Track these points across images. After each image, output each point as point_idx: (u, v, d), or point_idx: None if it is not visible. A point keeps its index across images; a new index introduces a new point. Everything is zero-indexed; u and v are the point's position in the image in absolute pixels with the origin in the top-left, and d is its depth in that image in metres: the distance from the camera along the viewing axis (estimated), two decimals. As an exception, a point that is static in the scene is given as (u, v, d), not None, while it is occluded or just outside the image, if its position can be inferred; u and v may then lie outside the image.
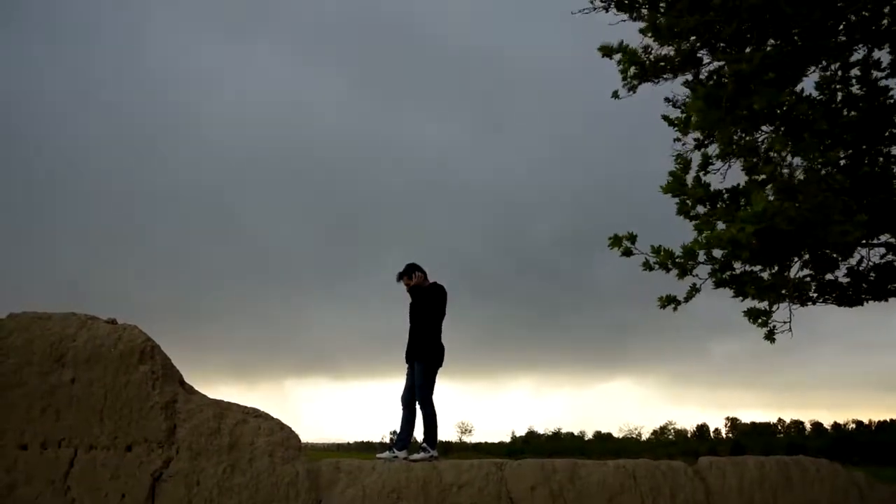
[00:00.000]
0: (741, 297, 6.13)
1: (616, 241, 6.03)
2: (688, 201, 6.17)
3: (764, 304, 5.94)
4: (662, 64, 6.21)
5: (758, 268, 6.21)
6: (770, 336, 5.88)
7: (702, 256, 5.89)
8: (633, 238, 6.02)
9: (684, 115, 6.15)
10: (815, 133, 5.41)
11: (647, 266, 6.00)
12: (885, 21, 5.64)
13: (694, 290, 6.17)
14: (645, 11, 6.17)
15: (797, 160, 5.33)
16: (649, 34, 6.12)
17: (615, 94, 6.49)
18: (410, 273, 6.56)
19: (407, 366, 6.44)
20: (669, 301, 6.26)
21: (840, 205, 5.10)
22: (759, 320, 5.85)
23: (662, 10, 6.03)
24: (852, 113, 5.77)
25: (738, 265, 6.14)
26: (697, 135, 6.25)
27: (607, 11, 6.42)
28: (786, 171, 5.31)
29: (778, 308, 5.89)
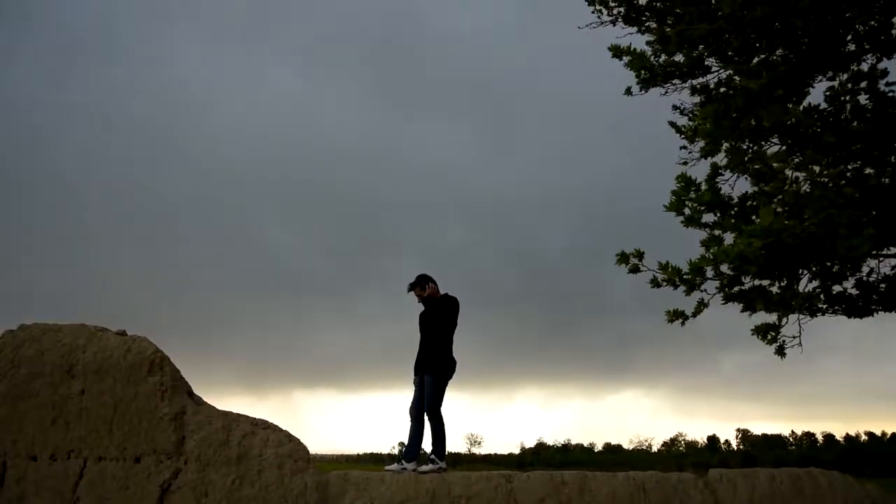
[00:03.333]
0: (750, 312, 6.10)
1: (623, 257, 6.03)
2: (694, 215, 6.16)
3: (773, 318, 5.91)
4: (671, 69, 6.23)
5: (766, 282, 6.18)
6: (780, 351, 5.84)
7: (710, 272, 5.87)
8: (640, 255, 6.01)
9: (692, 124, 6.16)
10: (821, 146, 5.40)
11: (655, 283, 5.99)
12: (894, 31, 5.63)
13: (702, 305, 6.15)
14: (653, 24, 6.19)
15: (802, 174, 5.32)
16: (657, 45, 6.14)
17: (628, 91, 6.52)
18: (423, 284, 6.54)
19: (415, 377, 6.42)
20: (677, 316, 6.24)
21: (846, 219, 5.08)
22: (769, 336, 5.82)
23: (670, 23, 6.05)
24: (861, 124, 5.74)
25: (746, 280, 6.11)
26: (704, 142, 6.25)
27: (614, 25, 6.44)
28: (792, 186, 5.29)
29: (787, 322, 5.86)
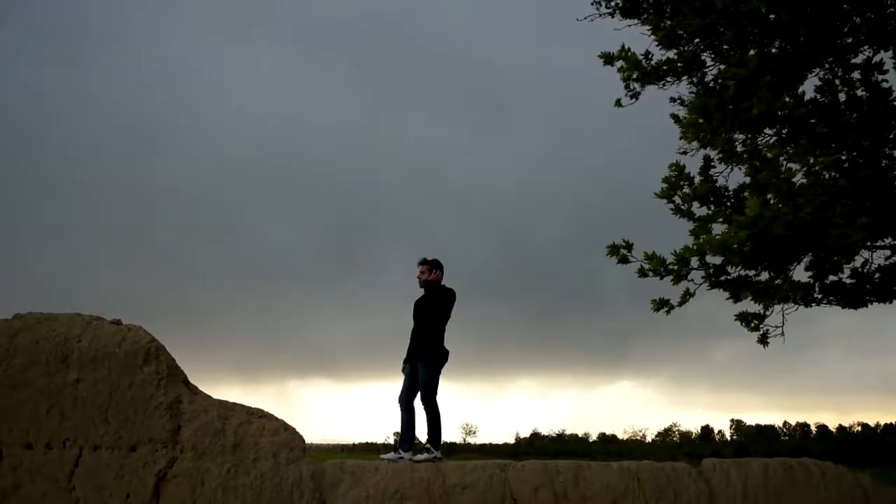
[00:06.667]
0: (735, 301, 6.14)
1: (613, 249, 6.06)
2: (682, 206, 6.17)
3: (758, 308, 5.94)
4: (665, 68, 6.21)
5: (752, 272, 6.21)
6: (763, 340, 5.88)
7: (694, 262, 5.90)
8: (629, 246, 6.04)
9: (687, 117, 6.15)
10: (813, 137, 5.41)
11: (642, 273, 6.02)
12: (890, 24, 5.62)
13: (687, 295, 6.18)
14: (650, 17, 6.16)
15: (796, 164, 5.33)
16: (654, 39, 6.12)
17: (618, 103, 6.48)
18: (432, 268, 6.51)
19: (405, 365, 6.41)
20: (662, 304, 6.27)
21: (840, 207, 5.10)
22: (752, 324, 5.85)
23: (667, 14, 6.03)
24: (854, 115, 5.75)
25: (732, 269, 6.15)
26: (690, 132, 6.25)
27: (613, 17, 6.42)
28: (784, 175, 5.30)
29: (772, 312, 5.89)
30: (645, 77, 6.30)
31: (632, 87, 6.34)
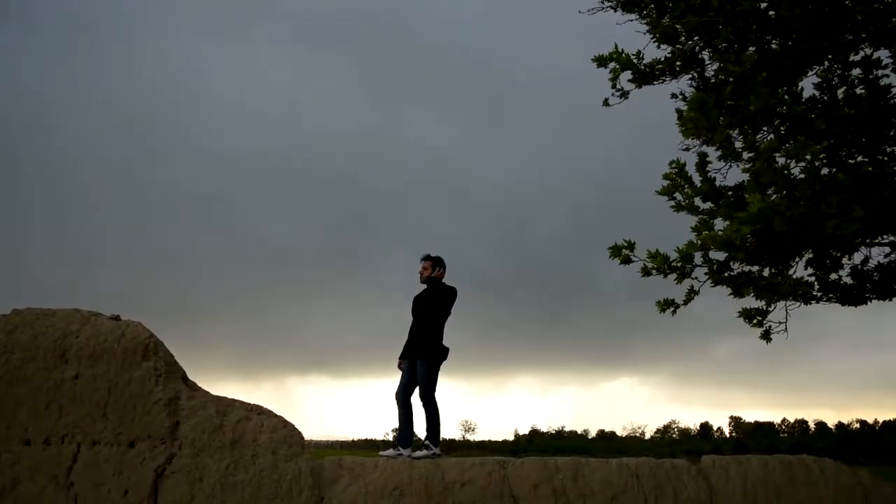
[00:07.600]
0: (738, 297, 6.13)
1: (615, 250, 6.04)
2: (684, 203, 6.15)
3: (761, 304, 5.94)
4: (660, 67, 6.18)
5: (756, 268, 6.21)
6: (766, 336, 5.87)
7: (698, 259, 5.88)
8: (631, 246, 6.02)
9: (686, 115, 6.13)
10: (812, 133, 5.39)
11: (646, 272, 6.01)
12: (891, 21, 5.59)
13: (692, 293, 6.17)
14: (651, 13, 6.13)
15: (792, 161, 5.31)
16: (653, 36, 6.09)
17: (605, 103, 6.45)
18: (436, 265, 6.51)
19: (401, 361, 6.39)
20: (668, 305, 6.26)
21: (836, 199, 5.08)
22: (755, 320, 5.85)
23: (669, 10, 6.00)
24: (852, 111, 5.73)
25: (735, 266, 6.13)
26: (686, 127, 6.23)
27: (616, 11, 6.38)
28: (781, 168, 5.29)
29: (774, 308, 5.89)
30: (641, 77, 6.26)
31: (619, 86, 6.31)
